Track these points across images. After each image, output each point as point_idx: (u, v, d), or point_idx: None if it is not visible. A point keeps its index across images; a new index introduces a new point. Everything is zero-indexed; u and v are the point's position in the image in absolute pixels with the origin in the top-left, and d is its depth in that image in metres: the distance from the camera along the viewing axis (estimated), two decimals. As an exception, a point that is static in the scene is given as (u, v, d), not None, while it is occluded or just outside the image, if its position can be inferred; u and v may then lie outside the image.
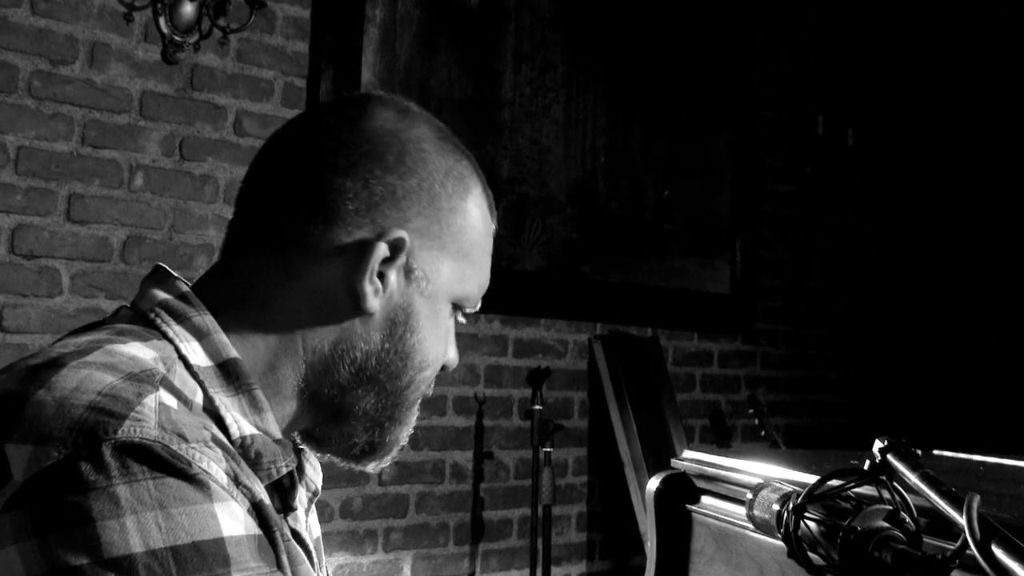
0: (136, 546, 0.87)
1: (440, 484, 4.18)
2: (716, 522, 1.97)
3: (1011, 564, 0.85)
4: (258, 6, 3.62)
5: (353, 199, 1.16)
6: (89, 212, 3.42)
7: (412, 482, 4.09)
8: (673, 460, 2.19)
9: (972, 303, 5.76)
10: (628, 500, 4.30)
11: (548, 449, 4.13)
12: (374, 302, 1.17)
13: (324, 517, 3.83)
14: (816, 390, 5.49)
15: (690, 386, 4.98)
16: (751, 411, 4.89)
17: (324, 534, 4.09)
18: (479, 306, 1.33)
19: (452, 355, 1.31)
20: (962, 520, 0.93)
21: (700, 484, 2.07)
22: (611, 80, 4.78)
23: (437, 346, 1.25)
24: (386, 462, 1.31)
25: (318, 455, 1.32)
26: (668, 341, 4.89)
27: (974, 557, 1.17)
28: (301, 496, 1.28)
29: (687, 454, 2.18)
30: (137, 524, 0.88)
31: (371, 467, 1.31)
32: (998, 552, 0.87)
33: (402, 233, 1.16)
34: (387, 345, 1.19)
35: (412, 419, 1.29)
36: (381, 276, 1.17)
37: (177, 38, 3.54)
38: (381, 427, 1.25)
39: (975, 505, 0.92)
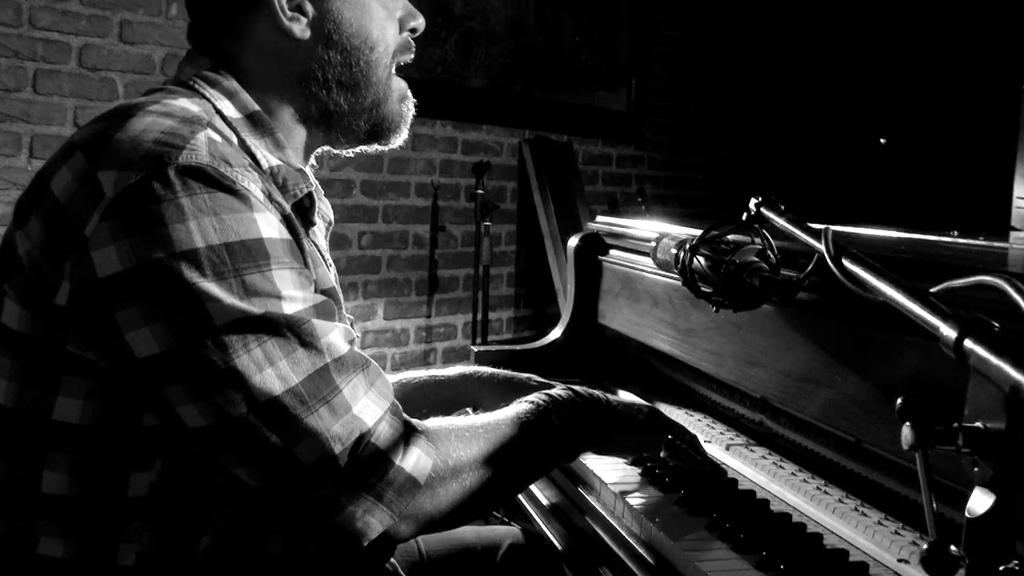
0: (199, 242, 0.90)
1: (405, 249, 4.18)
2: (621, 268, 2.02)
3: (858, 270, 0.87)
4: None
5: None
6: (136, 35, 3.32)
7: (384, 247, 4.09)
8: (588, 223, 2.22)
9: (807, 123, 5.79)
10: (546, 263, 4.35)
11: (487, 224, 4.14)
12: (301, 30, 1.13)
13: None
14: (687, 187, 5.52)
15: (594, 180, 4.98)
16: (639, 200, 4.95)
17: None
18: None
19: (414, 23, 1.25)
20: (820, 245, 0.94)
21: (609, 241, 2.11)
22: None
23: (380, 25, 1.19)
24: (403, 134, 1.26)
25: (347, 151, 1.28)
26: (579, 146, 4.86)
27: (816, 282, 1.20)
28: (320, 221, 1.28)
29: (600, 219, 2.20)
30: (198, 226, 0.91)
31: (393, 143, 1.26)
32: (847, 263, 0.89)
33: None
34: (332, 53, 1.15)
35: (397, 92, 1.24)
36: (298, 8, 1.13)
37: None
38: (377, 107, 1.21)
39: (831, 233, 0.94)
